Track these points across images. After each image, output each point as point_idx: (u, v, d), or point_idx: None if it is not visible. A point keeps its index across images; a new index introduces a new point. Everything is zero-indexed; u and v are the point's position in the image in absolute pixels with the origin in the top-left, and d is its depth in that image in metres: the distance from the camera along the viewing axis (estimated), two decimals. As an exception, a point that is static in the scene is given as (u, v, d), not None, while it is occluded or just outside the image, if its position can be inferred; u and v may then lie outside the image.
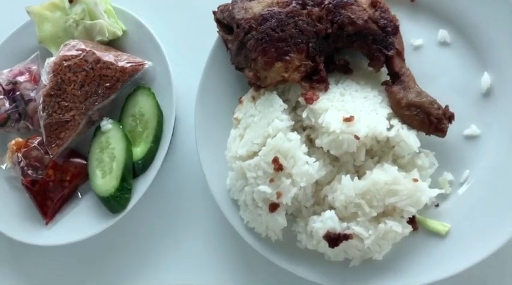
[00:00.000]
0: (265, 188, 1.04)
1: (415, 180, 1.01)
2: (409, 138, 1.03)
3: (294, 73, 1.09)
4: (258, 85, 1.14)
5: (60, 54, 1.22)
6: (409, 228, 1.03)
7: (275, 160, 1.04)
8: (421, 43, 1.16)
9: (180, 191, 1.26)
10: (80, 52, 1.22)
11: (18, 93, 1.31)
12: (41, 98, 1.22)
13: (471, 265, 1.00)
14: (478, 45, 1.12)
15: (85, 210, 1.25)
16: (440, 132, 1.04)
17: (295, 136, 1.05)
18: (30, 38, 1.36)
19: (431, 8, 1.16)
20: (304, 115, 1.08)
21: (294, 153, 1.04)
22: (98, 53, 1.23)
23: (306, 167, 1.03)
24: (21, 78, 1.31)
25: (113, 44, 1.31)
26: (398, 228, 1.01)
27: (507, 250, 1.02)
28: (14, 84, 1.31)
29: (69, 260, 1.30)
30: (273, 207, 1.06)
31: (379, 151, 1.07)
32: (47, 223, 1.25)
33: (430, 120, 1.04)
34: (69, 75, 1.21)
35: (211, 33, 1.22)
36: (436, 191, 1.03)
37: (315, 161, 1.04)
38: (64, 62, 1.21)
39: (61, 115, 1.22)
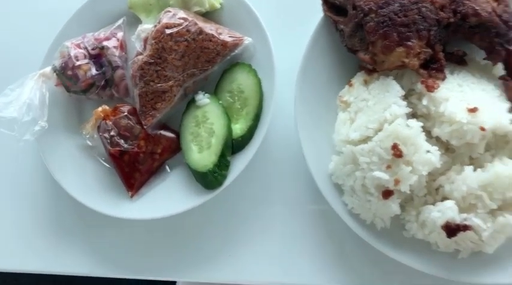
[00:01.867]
0: (382, 175, 1.03)
1: (536, 176, 1.01)
2: (530, 134, 1.04)
3: (413, 59, 1.07)
4: (371, 69, 1.12)
5: (162, 21, 1.17)
6: (525, 223, 1.03)
7: (395, 146, 1.02)
8: (531, 41, 1.17)
9: (275, 172, 1.23)
10: (182, 21, 1.18)
11: (104, 58, 1.25)
12: (138, 65, 1.17)
13: None
14: None
15: (173, 185, 1.21)
16: (561, 130, 1.05)
17: (415, 123, 1.04)
18: (116, 1, 1.31)
19: (545, 7, 1.17)
20: (424, 103, 1.06)
21: (414, 140, 1.03)
22: (200, 24, 1.18)
23: (429, 156, 1.02)
24: (108, 43, 1.26)
25: (209, 16, 1.27)
26: (516, 222, 1.01)
27: None
28: (101, 49, 1.25)
29: (148, 235, 1.25)
30: (387, 194, 1.04)
31: (494, 144, 1.06)
32: (132, 196, 1.21)
33: (551, 117, 1.04)
34: (170, 43, 1.17)
35: (313, 11, 1.20)
36: (554, 189, 1.04)
37: (436, 150, 1.03)
38: (166, 30, 1.16)
39: (159, 84, 1.17)
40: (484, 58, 1.11)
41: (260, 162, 1.23)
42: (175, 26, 1.17)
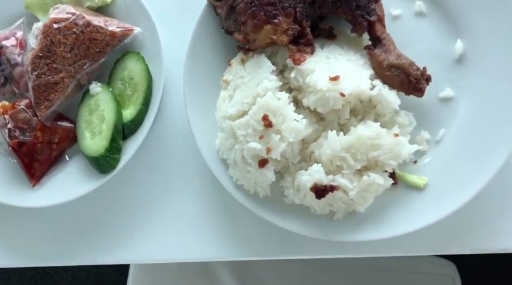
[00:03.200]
0: (256, 145, 1.09)
1: (396, 135, 1.08)
2: (390, 97, 1.10)
3: (282, 36, 1.14)
4: (247, 48, 1.19)
5: (50, 16, 1.23)
6: (390, 181, 1.09)
7: (265, 118, 1.09)
8: (399, 13, 1.24)
9: (169, 153, 1.29)
10: (70, 15, 1.24)
11: (3, 57, 1.31)
12: (30, 60, 1.23)
13: (447, 215, 1.08)
14: (452, 15, 1.20)
15: (72, 172, 1.26)
16: (419, 91, 1.12)
17: (283, 95, 1.11)
18: (15, 3, 1.36)
19: (409, -20, 1.24)
20: (292, 75, 1.13)
21: (282, 111, 1.09)
22: (88, 17, 1.24)
23: (295, 124, 1.08)
24: (6, 43, 1.31)
25: (102, 11, 1.33)
26: (380, 180, 1.07)
27: (478, 202, 1.11)
28: (0, 48, 1.31)
29: (56, 223, 1.31)
30: (262, 163, 1.11)
31: (362, 111, 1.13)
32: (34, 185, 1.26)
33: (409, 80, 1.11)
34: (59, 37, 1.23)
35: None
36: (415, 147, 1.10)
37: (303, 118, 1.10)
38: (54, 24, 1.22)
39: (50, 77, 1.23)
40: (351, 31, 1.18)
41: (155, 144, 1.29)
42: (63, 21, 1.23)
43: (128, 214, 1.28)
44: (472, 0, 1.18)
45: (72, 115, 1.29)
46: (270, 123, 1.08)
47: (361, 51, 1.17)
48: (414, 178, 1.13)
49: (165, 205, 1.27)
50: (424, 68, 1.13)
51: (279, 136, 1.08)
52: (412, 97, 1.15)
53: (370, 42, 1.18)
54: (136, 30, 1.28)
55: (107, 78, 1.29)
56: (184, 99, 1.22)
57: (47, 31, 1.23)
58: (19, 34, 1.34)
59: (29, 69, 1.23)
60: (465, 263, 1.78)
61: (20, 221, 1.32)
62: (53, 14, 1.24)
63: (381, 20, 1.16)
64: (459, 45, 1.19)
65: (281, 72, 1.18)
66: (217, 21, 1.26)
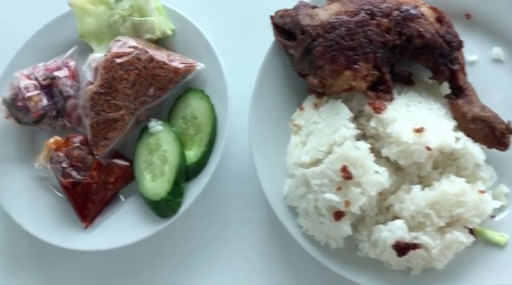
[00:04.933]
0: (332, 197, 1.04)
1: (481, 192, 1.04)
2: (475, 151, 1.06)
3: (361, 82, 1.09)
4: (320, 92, 1.14)
5: (112, 50, 1.17)
6: (472, 238, 1.05)
7: (344, 169, 1.04)
8: (475, 59, 1.20)
9: (232, 197, 1.23)
10: (132, 49, 1.17)
11: (56, 89, 1.24)
12: (89, 96, 1.16)
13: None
14: (533, 64, 1.17)
15: (128, 214, 1.20)
16: (503, 145, 1.08)
17: (363, 145, 1.06)
18: (67, 30, 1.31)
19: (486, 26, 1.20)
20: (372, 124, 1.08)
21: (363, 162, 1.04)
22: (151, 52, 1.18)
23: (377, 176, 1.03)
24: (59, 73, 1.25)
25: (161, 43, 1.27)
26: (463, 238, 1.03)
27: None
28: (52, 79, 1.24)
29: (106, 265, 1.24)
30: (339, 215, 1.06)
31: (442, 162, 1.09)
32: (86, 227, 1.19)
33: (494, 134, 1.07)
34: (121, 72, 1.16)
35: (264, 36, 1.21)
36: (498, 203, 1.06)
37: (385, 170, 1.05)
38: (116, 59, 1.16)
39: (110, 114, 1.16)
40: (430, 78, 1.14)
41: (216, 187, 1.23)
42: (125, 55, 1.17)
43: (183, 260, 1.22)
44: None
45: (128, 152, 1.23)
46: (350, 174, 1.03)
47: (441, 100, 1.13)
48: (494, 235, 1.09)
49: (224, 253, 1.21)
50: (509, 121, 1.09)
51: (359, 189, 1.03)
52: (490, 149, 1.10)
53: (447, 89, 1.14)
54: (199, 66, 1.22)
55: (166, 114, 1.24)
56: (250, 143, 1.17)
57: (109, 66, 1.16)
58: (71, 64, 1.28)
59: (88, 105, 1.16)
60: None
61: (65, 262, 1.25)
62: (115, 48, 1.17)
63: (462, 68, 1.12)
64: (539, 96, 1.15)
65: (356, 118, 1.14)
66: (284, 60, 1.21)
